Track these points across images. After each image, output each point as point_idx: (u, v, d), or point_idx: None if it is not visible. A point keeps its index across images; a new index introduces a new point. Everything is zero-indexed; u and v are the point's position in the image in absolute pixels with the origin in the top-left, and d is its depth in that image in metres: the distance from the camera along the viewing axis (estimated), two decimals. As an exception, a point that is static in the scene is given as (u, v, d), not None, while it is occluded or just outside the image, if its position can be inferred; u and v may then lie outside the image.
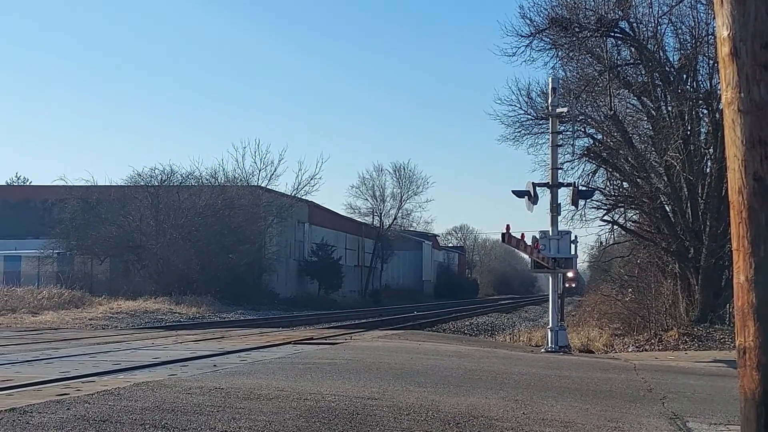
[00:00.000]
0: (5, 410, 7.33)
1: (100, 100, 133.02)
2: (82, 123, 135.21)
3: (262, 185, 59.33)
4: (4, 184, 67.57)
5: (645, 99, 28.97)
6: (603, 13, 26.91)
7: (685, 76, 28.21)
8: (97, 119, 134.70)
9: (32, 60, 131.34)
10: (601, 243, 41.81)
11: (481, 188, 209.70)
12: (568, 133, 28.36)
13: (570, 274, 23.36)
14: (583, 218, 31.73)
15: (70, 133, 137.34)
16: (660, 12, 27.16)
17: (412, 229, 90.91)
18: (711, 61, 26.59)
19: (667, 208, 29.14)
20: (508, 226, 19.53)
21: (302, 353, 14.98)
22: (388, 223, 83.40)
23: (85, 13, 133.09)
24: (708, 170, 27.74)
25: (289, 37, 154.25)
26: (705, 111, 28.15)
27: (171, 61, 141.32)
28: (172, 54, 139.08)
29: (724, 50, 4.66)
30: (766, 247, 4.58)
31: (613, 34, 27.57)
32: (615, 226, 33.31)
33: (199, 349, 15.72)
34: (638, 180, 29.16)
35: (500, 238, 20.50)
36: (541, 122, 30.34)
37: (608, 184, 31.98)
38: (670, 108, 28.04)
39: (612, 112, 27.88)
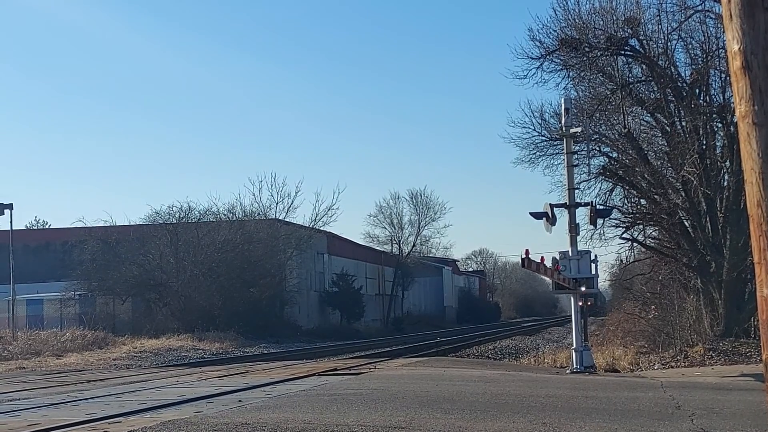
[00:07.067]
0: (34, 454, 7.35)
1: (116, 141, 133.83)
2: (98, 164, 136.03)
3: (280, 218, 59.44)
4: (24, 228, 67.60)
5: (659, 115, 28.92)
6: (612, 32, 26.92)
7: (697, 90, 28.15)
8: (114, 160, 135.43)
9: (48, 102, 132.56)
10: (622, 261, 41.56)
11: (499, 211, 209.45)
12: (583, 152, 28.27)
13: (583, 288, 22.88)
14: (602, 237, 31.63)
15: (87, 175, 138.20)
16: (669, 28, 27.16)
17: (431, 255, 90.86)
18: (723, 75, 26.54)
19: (686, 223, 28.98)
20: (527, 251, 19.51)
21: (327, 384, 14.96)
22: (407, 251, 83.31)
23: (99, 53, 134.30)
24: (725, 184, 27.60)
25: (302, 68, 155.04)
26: (719, 125, 28.06)
27: (184, 98, 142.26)
28: (185, 91, 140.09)
29: (735, 64, 4.66)
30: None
31: (623, 52, 27.58)
32: (635, 244, 33.18)
33: (223, 385, 15.73)
34: (656, 196, 29.06)
35: (520, 263, 20.44)
36: (555, 143, 30.34)
37: (626, 201, 31.84)
38: (684, 123, 27.98)
39: (626, 129, 27.86)
